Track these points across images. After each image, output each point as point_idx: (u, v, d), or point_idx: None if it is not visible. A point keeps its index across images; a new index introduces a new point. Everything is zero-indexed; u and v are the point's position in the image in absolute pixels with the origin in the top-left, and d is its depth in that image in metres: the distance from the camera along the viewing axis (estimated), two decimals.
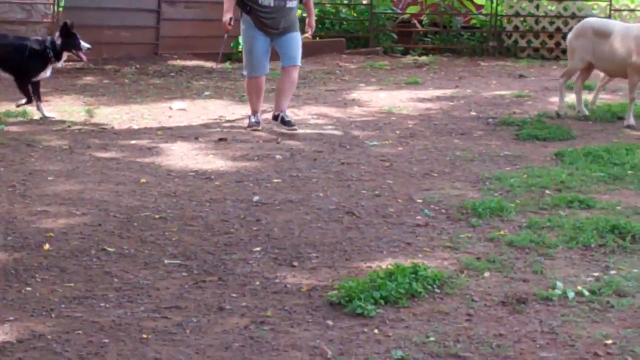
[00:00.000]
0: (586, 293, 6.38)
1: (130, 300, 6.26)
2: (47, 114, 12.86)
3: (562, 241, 7.51)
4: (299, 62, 12.46)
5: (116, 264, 6.96)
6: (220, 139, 11.55)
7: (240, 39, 12.37)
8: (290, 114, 12.58)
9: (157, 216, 8.22)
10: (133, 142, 11.35)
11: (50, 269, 6.81)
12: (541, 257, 7.17)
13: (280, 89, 12.34)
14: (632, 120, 12.67)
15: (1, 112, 13.16)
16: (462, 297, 6.34)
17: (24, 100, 12.89)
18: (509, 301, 6.25)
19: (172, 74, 18.10)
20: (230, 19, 12.15)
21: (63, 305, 6.12)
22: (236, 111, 13.85)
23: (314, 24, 13.10)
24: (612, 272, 6.86)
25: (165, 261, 7.04)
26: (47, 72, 13.00)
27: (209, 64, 19.44)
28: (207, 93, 15.71)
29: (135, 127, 12.56)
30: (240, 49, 20.93)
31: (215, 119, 13.17)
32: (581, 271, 6.88)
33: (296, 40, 12.36)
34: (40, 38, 13.40)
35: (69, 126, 12.42)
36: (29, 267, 6.81)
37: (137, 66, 18.70)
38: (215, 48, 20.23)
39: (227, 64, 19.79)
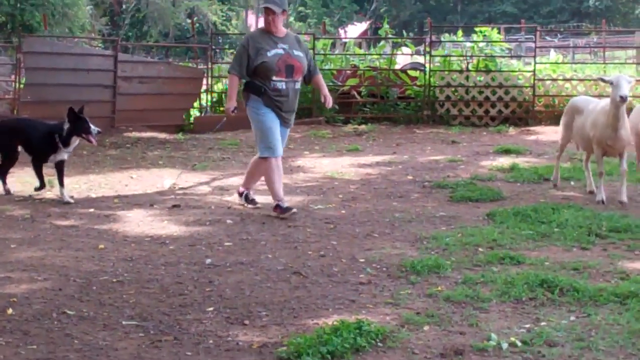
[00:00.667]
0: (519, 344, 6.39)
1: None
2: (67, 199, 11.85)
3: (495, 295, 7.53)
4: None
5: (76, 326, 6.87)
6: (174, 206, 11.52)
7: (252, 123, 10.98)
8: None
9: (115, 280, 8.14)
10: (91, 210, 11.28)
11: (13, 332, 6.71)
12: (476, 311, 7.18)
13: (253, 172, 11.45)
14: (602, 195, 11.70)
15: None
16: (403, 351, 6.32)
17: (37, 184, 12.25)
18: (447, 353, 6.24)
19: (128, 145, 18.08)
20: (235, 108, 11.17)
21: None
22: (189, 179, 13.83)
23: (329, 94, 11.58)
24: (543, 323, 6.88)
25: (123, 322, 6.96)
26: (60, 156, 12.00)
27: (162, 135, 19.47)
28: (160, 163, 15.64)
29: (94, 195, 12.50)
30: (192, 122, 21.08)
31: (170, 187, 13.13)
32: (514, 323, 6.89)
33: (287, 135, 11.36)
34: (56, 122, 12.30)
35: (30, 197, 12.33)
36: None
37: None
38: (167, 121, 20.35)
39: (180, 135, 19.78)
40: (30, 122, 12.77)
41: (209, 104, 22.36)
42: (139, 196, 12.42)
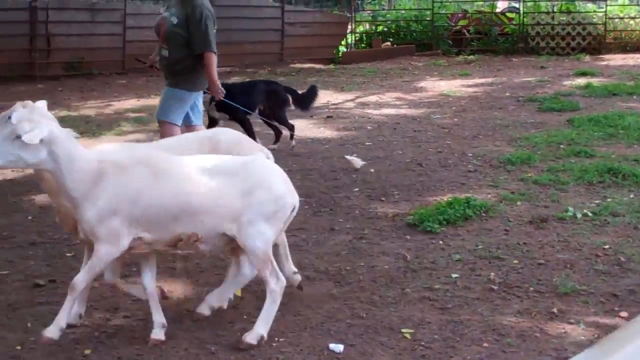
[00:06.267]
0: (590, 214, 6.37)
1: None
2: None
3: (572, 179, 7.47)
4: (158, 116, 7.40)
5: None
6: (328, 117, 11.66)
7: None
8: None
9: (286, 169, 8.20)
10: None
11: None
12: (557, 191, 7.15)
13: None
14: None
15: None
16: (501, 219, 6.38)
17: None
18: (534, 221, 6.27)
19: (293, 73, 18.19)
20: None
21: None
22: (339, 97, 13.89)
23: (212, 87, 7.32)
24: (609, 200, 6.82)
25: None
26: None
27: (318, 66, 19.51)
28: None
29: None
30: (340, 55, 21.10)
31: (324, 103, 13.23)
32: (586, 199, 6.86)
33: (163, 94, 7.42)
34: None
35: None
36: None
37: (269, 69, 18.84)
38: (322, 55, 20.41)
39: (331, 65, 19.83)
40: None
41: (352, 42, 22.32)
42: None
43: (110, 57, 17.94)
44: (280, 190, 4.31)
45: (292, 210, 4.41)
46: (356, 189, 7.49)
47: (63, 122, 11.61)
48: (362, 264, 5.45)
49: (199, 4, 7.18)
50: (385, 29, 22.79)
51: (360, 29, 23.23)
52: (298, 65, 19.62)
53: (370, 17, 24.38)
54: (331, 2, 27.68)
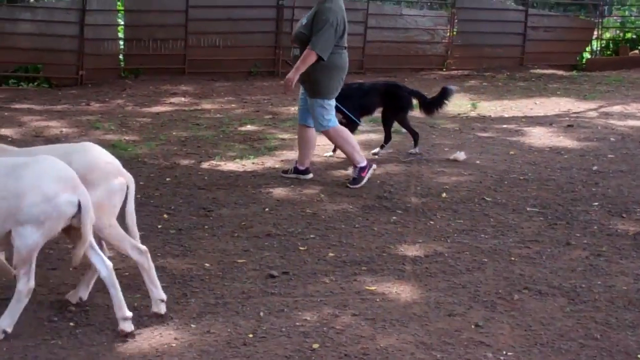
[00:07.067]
0: None
1: (502, 234, 6.30)
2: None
3: None
4: (316, 129, 7.99)
5: (492, 209, 7.02)
6: (569, 125, 11.25)
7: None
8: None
9: (521, 178, 8.17)
10: (504, 126, 11.29)
11: (446, 210, 6.98)
12: None
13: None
14: None
15: None
16: None
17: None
18: None
19: (533, 79, 17.71)
20: None
21: (455, 235, 6.27)
22: (580, 106, 13.38)
23: (290, 75, 7.65)
24: None
25: (528, 209, 7.02)
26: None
27: (560, 72, 18.90)
28: (558, 93, 15.24)
29: (506, 115, 12.46)
30: (584, 62, 20.36)
31: (565, 111, 12.81)
32: None
33: (309, 106, 7.85)
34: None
35: (459, 114, 12.49)
36: (431, 208, 7.02)
37: (507, 73, 18.47)
38: (564, 61, 19.80)
39: (574, 72, 19.16)
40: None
41: (597, 48, 21.49)
42: (541, 117, 12.21)
43: (350, 57, 18.34)
44: (51, 192, 4.21)
45: (73, 207, 4.27)
46: (596, 203, 7.19)
47: (293, 120, 12.11)
48: (599, 282, 5.23)
49: (328, 9, 7.53)
50: (635, 37, 21.72)
51: (607, 35, 22.29)
52: (539, 71, 19.11)
53: (618, 23, 23.35)
54: (575, 6, 26.88)
